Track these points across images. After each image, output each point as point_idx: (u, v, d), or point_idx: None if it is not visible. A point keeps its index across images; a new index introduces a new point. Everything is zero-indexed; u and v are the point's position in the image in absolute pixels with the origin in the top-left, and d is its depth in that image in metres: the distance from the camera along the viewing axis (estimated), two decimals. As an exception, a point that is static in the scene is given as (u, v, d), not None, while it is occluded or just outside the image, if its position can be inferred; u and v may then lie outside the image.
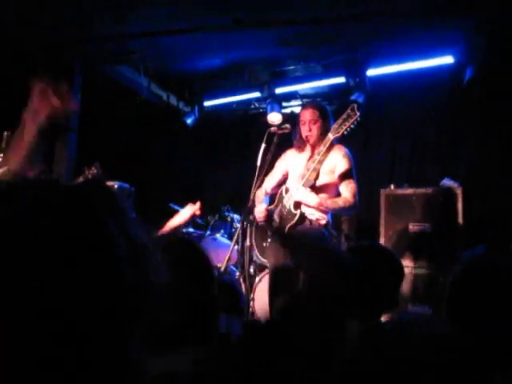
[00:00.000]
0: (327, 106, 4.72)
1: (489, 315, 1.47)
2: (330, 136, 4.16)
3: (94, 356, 0.63)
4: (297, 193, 4.19)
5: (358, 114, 4.05)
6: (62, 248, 0.62)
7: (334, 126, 4.16)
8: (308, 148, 4.53)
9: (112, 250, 0.66)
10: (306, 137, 4.41)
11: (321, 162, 4.23)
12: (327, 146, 4.18)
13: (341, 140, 4.32)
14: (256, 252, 4.68)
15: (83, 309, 0.62)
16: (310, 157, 4.41)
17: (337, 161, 4.34)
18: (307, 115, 4.44)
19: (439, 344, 1.03)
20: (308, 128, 4.40)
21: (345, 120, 4.10)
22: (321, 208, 4.21)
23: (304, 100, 7.22)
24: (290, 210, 4.35)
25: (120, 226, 0.69)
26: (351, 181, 4.30)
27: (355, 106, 4.11)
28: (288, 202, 4.39)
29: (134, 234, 0.71)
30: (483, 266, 1.57)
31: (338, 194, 4.37)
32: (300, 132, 4.49)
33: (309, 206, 4.31)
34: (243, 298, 2.30)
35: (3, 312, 0.59)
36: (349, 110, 4.11)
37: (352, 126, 4.09)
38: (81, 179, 5.04)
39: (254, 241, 4.70)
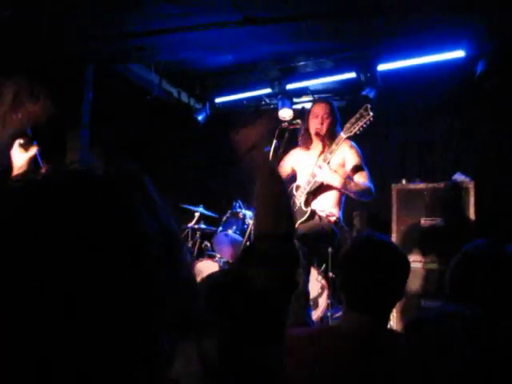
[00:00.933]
0: (336, 103, 4.76)
1: (485, 299, 1.52)
2: (343, 135, 4.20)
3: (122, 351, 0.63)
4: (320, 172, 4.19)
5: (371, 114, 4.08)
6: (96, 239, 0.61)
7: (347, 125, 4.20)
8: (315, 145, 4.55)
9: (146, 242, 0.65)
10: (316, 130, 4.44)
11: (332, 155, 4.26)
12: (339, 144, 4.21)
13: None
14: None
15: (119, 300, 0.62)
16: (321, 153, 4.44)
17: (345, 154, 4.37)
18: (320, 109, 4.50)
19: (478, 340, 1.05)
20: (320, 121, 4.44)
21: (358, 119, 4.14)
22: (344, 189, 4.21)
23: (315, 96, 7.23)
24: (300, 207, 4.37)
25: (153, 215, 0.67)
26: (363, 170, 4.34)
27: (368, 106, 4.15)
28: (299, 199, 4.40)
29: (167, 223, 0.70)
30: (480, 254, 1.62)
31: None
32: (307, 127, 4.51)
33: (323, 196, 4.33)
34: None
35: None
36: (362, 110, 4.15)
37: (364, 126, 4.13)
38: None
39: None
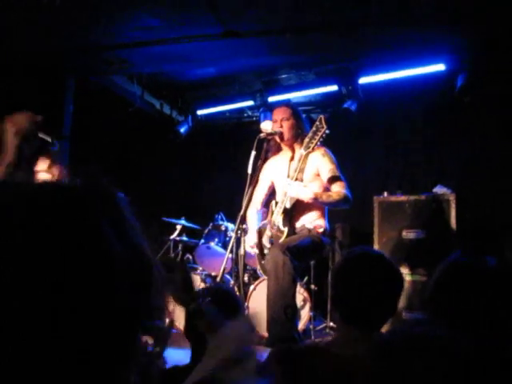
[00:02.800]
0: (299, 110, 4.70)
1: (467, 312, 1.51)
2: (303, 152, 4.16)
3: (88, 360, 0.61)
4: (290, 188, 4.13)
5: (326, 126, 4.02)
6: (55, 250, 0.59)
7: (306, 139, 4.15)
8: (285, 151, 4.52)
9: (107, 253, 0.62)
10: (280, 136, 4.40)
11: (302, 171, 4.21)
12: (302, 160, 4.17)
13: (325, 144, 4.32)
14: (258, 267, 4.68)
15: (78, 311, 0.60)
16: (291, 158, 4.41)
17: (318, 162, 4.31)
18: (279, 113, 4.46)
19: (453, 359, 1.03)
20: (279, 125, 4.39)
21: (314, 133, 4.08)
22: (316, 201, 4.15)
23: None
24: (278, 228, 4.34)
25: (120, 234, 0.65)
26: (338, 177, 4.27)
27: (322, 117, 4.08)
28: (276, 218, 4.35)
29: (135, 244, 0.68)
30: (460, 268, 1.62)
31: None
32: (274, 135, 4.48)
33: (300, 213, 4.30)
34: (242, 305, 2.30)
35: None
36: (317, 123, 4.08)
37: (321, 139, 4.08)
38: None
39: (256, 257, 4.69)
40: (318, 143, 4.08)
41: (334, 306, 1.98)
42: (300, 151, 4.19)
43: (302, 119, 4.51)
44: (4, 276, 0.57)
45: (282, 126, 4.38)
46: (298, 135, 4.39)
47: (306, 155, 4.16)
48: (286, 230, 4.27)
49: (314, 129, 4.09)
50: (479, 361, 1.03)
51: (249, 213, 4.50)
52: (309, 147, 4.10)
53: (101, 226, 0.64)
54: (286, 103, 4.81)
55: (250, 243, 4.55)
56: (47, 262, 0.59)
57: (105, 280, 0.62)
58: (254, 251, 4.54)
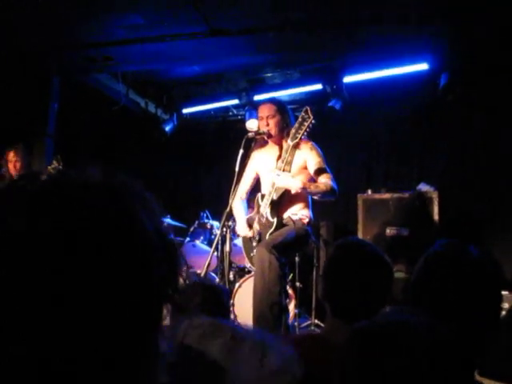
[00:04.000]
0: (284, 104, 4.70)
1: (447, 302, 1.53)
2: (290, 143, 4.15)
3: (121, 353, 0.66)
4: (279, 179, 4.14)
5: (312, 116, 4.03)
6: (103, 240, 0.65)
7: (292, 130, 4.14)
8: (272, 146, 4.52)
9: (149, 248, 0.70)
10: (266, 133, 4.40)
11: (290, 163, 4.21)
12: (289, 151, 4.17)
13: (311, 138, 4.33)
14: (247, 260, 4.69)
15: (119, 304, 0.65)
16: (279, 157, 4.40)
17: (306, 156, 4.31)
18: (265, 111, 4.42)
19: (430, 344, 1.04)
20: (266, 123, 4.38)
21: (300, 124, 4.07)
22: (304, 191, 4.17)
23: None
24: (267, 219, 4.35)
25: (150, 219, 0.72)
26: (325, 170, 4.28)
27: (308, 108, 4.08)
28: (264, 209, 4.37)
29: (162, 227, 0.75)
30: (442, 257, 1.63)
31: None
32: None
33: (288, 204, 4.32)
34: (228, 299, 2.31)
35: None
36: (303, 113, 4.08)
37: (308, 130, 4.07)
38: (44, 176, 5.02)
39: (242, 249, 4.71)
40: (305, 133, 4.07)
41: (324, 300, 1.98)
42: (287, 142, 4.19)
43: (287, 113, 4.48)
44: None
45: (268, 124, 4.38)
46: (285, 130, 4.38)
47: (294, 146, 4.16)
48: (275, 220, 4.28)
49: (300, 120, 4.09)
50: (458, 347, 1.05)
51: (234, 204, 4.49)
52: (296, 137, 4.09)
53: (136, 210, 0.72)
54: (271, 100, 4.74)
55: (241, 230, 4.54)
56: (101, 245, 0.65)
57: (144, 258, 0.69)
58: (247, 234, 4.51)
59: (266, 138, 4.42)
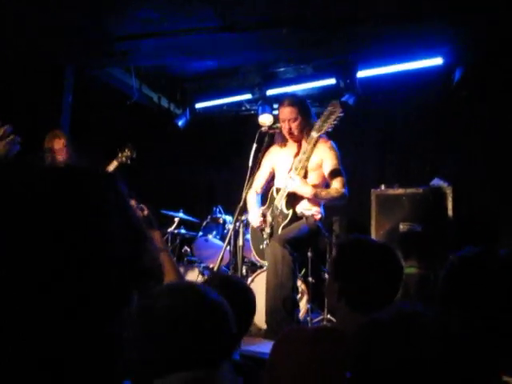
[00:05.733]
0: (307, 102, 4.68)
1: (478, 309, 1.50)
2: (314, 135, 4.14)
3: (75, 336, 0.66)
4: (292, 183, 4.16)
5: (341, 110, 4.02)
6: (68, 216, 0.67)
7: (318, 123, 4.13)
8: (292, 143, 4.53)
9: (107, 225, 0.71)
10: (287, 134, 4.40)
11: (308, 159, 4.22)
12: (312, 144, 4.16)
13: (329, 135, 4.32)
14: (254, 254, 4.70)
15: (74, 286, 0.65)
16: (296, 154, 4.41)
17: (323, 155, 4.32)
18: (286, 113, 4.42)
19: (440, 336, 1.04)
20: (288, 126, 4.38)
21: (327, 117, 4.07)
22: (315, 198, 4.20)
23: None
24: (281, 211, 4.36)
25: (121, 211, 0.73)
26: (339, 173, 4.30)
27: (337, 102, 4.08)
28: (280, 201, 4.39)
29: (133, 220, 0.76)
30: (472, 263, 1.61)
31: (327, 187, 4.37)
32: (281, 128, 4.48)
33: (303, 197, 4.32)
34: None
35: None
36: (331, 107, 4.07)
37: (335, 123, 4.06)
38: (115, 162, 5.06)
39: (250, 243, 4.72)
40: (331, 126, 4.06)
41: (340, 294, 1.98)
42: (311, 134, 4.17)
43: (309, 111, 4.47)
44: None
45: (290, 127, 4.37)
46: (306, 128, 4.37)
47: (313, 144, 4.16)
48: (290, 212, 4.31)
49: (326, 113, 4.08)
50: (472, 342, 1.05)
51: (248, 197, 4.51)
52: (321, 130, 4.09)
53: (105, 202, 0.73)
54: (291, 101, 4.55)
55: (255, 220, 4.56)
56: (64, 223, 0.67)
57: (103, 236, 0.70)
58: (260, 223, 4.52)
59: (286, 136, 4.44)
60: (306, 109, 4.47)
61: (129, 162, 5.11)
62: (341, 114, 4.02)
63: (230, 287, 2.17)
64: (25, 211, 0.64)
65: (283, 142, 4.55)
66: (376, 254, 1.97)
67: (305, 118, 4.39)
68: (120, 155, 5.11)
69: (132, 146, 5.11)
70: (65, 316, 0.64)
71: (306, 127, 4.35)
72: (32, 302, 0.63)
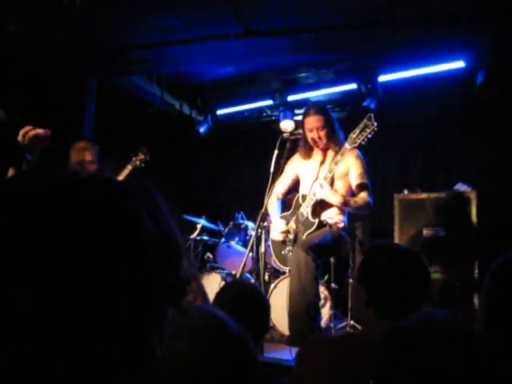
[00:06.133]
0: (329, 111, 4.69)
1: None
2: (347, 146, 4.14)
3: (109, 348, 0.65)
4: (321, 191, 4.17)
5: (375, 124, 4.03)
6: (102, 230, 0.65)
7: (352, 135, 4.13)
8: (317, 153, 4.54)
9: (145, 243, 0.69)
10: (316, 143, 4.41)
11: (334, 169, 4.24)
12: (344, 155, 4.17)
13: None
14: (274, 259, 4.71)
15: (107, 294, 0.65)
16: (322, 161, 4.43)
17: (349, 163, 4.34)
18: (314, 122, 4.41)
19: (464, 344, 1.02)
20: (317, 135, 4.38)
21: (362, 130, 4.07)
22: (344, 207, 4.22)
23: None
24: (307, 218, 4.37)
25: (155, 221, 0.71)
26: (365, 182, 4.32)
27: (372, 115, 4.09)
28: (306, 209, 4.40)
29: (169, 230, 0.74)
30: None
31: (353, 195, 4.39)
32: (306, 138, 4.47)
33: (330, 206, 4.34)
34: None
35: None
36: (366, 120, 4.08)
37: (369, 136, 4.08)
38: (129, 167, 5.09)
39: (271, 249, 4.73)
40: (366, 140, 4.07)
41: (368, 300, 1.97)
42: (345, 145, 4.18)
43: (333, 121, 4.50)
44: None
45: (319, 136, 4.38)
46: (333, 140, 4.40)
47: (350, 150, 4.17)
48: (316, 221, 4.33)
49: (361, 126, 4.08)
50: (498, 354, 1.03)
51: (270, 201, 4.51)
52: (355, 142, 4.09)
53: (139, 211, 0.70)
54: (317, 109, 4.54)
55: (278, 228, 4.57)
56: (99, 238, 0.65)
57: (140, 253, 0.68)
58: (282, 237, 4.53)
59: (313, 145, 4.45)
60: (331, 118, 4.50)
61: (143, 165, 5.11)
62: (376, 129, 4.04)
63: (242, 296, 2.18)
64: (68, 223, 0.64)
65: (307, 152, 4.55)
66: (404, 259, 1.96)
67: (331, 126, 4.42)
68: (134, 159, 5.12)
69: (145, 148, 5.12)
70: (99, 331, 0.64)
71: (332, 138, 4.37)
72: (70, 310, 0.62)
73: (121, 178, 5.05)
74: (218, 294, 2.27)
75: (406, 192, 5.54)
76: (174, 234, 0.75)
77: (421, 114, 6.67)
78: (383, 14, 4.83)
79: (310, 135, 4.43)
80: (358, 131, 4.10)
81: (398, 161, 6.85)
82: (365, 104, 6.32)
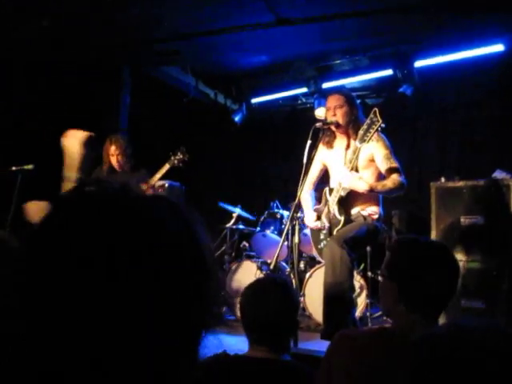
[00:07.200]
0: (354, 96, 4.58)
1: None
2: (358, 145, 4.05)
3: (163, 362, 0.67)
4: (346, 180, 4.10)
5: (381, 120, 3.91)
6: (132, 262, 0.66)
7: (360, 132, 4.01)
8: (340, 140, 4.44)
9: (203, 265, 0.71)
10: (333, 123, 4.30)
11: (357, 158, 4.15)
12: (356, 154, 4.09)
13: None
14: (315, 251, 4.71)
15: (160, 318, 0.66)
16: (347, 146, 4.33)
17: (372, 148, 4.21)
18: (332, 101, 4.33)
19: (494, 355, 1.01)
20: (333, 113, 4.28)
21: (369, 126, 3.95)
22: (372, 192, 4.12)
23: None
24: (334, 215, 4.33)
25: (191, 243, 0.73)
26: (393, 162, 4.18)
27: (377, 110, 3.96)
28: (332, 206, 4.33)
29: (207, 257, 0.75)
30: None
31: (383, 179, 4.27)
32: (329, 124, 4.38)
33: (356, 201, 4.28)
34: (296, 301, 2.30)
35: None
36: (372, 115, 3.96)
37: (377, 132, 3.97)
38: (167, 165, 5.17)
39: (310, 239, 4.72)
40: (374, 135, 3.98)
41: (400, 295, 1.96)
42: (355, 143, 4.10)
43: (356, 105, 4.39)
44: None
45: (335, 114, 4.30)
46: (352, 122, 4.30)
47: (360, 150, 4.09)
48: (342, 218, 4.25)
49: (368, 121, 3.97)
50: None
51: (302, 195, 4.47)
52: (364, 140, 3.99)
53: (177, 235, 0.72)
54: (339, 90, 4.69)
55: (310, 221, 4.54)
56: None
57: (197, 275, 0.71)
58: (317, 225, 4.50)
59: (333, 128, 4.37)
60: (353, 102, 4.37)
61: (181, 165, 5.16)
62: (382, 125, 3.92)
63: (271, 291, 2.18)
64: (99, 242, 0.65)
65: (329, 140, 4.46)
66: (433, 254, 1.94)
67: (351, 108, 4.30)
68: (172, 158, 5.18)
69: (185, 149, 5.17)
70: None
71: (352, 121, 4.27)
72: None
73: (158, 175, 5.16)
74: (247, 289, 2.28)
75: (443, 180, 5.44)
76: (207, 255, 0.76)
77: (458, 100, 6.55)
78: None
79: (329, 115, 4.35)
80: (365, 127, 3.97)
81: (434, 148, 6.74)
82: (401, 90, 6.23)
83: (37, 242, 0.66)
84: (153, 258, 0.66)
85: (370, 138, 3.95)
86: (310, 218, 4.56)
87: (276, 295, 2.16)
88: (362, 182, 4.04)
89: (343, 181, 4.13)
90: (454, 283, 1.96)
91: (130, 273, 0.64)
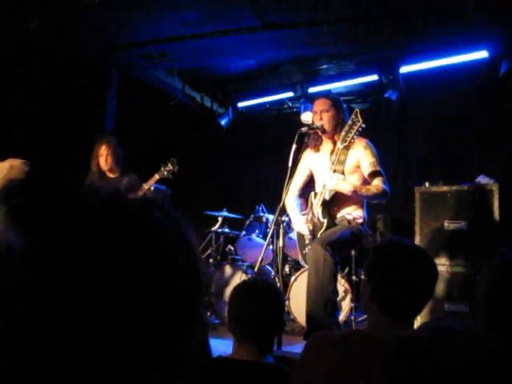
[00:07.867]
0: (341, 100, 4.60)
1: None
2: (339, 145, 4.09)
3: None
4: (330, 181, 4.10)
5: (362, 120, 3.95)
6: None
7: (342, 133, 4.06)
8: (326, 144, 4.47)
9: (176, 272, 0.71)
10: (320, 128, 4.33)
11: (343, 163, 4.16)
12: (340, 152, 4.11)
13: (367, 135, 4.27)
14: (300, 257, 4.72)
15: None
16: (332, 151, 4.34)
17: (359, 155, 4.25)
18: (319, 105, 4.36)
19: (476, 356, 1.02)
20: (319, 117, 4.32)
21: (350, 127, 4.00)
22: (355, 194, 4.14)
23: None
24: (318, 219, 4.34)
25: (184, 253, 0.73)
26: (378, 170, 4.22)
27: (358, 111, 4.01)
28: (316, 209, 4.35)
29: (195, 250, 0.76)
30: None
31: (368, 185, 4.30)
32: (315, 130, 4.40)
33: (339, 205, 4.30)
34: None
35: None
36: (353, 116, 4.00)
37: (357, 134, 4.01)
38: (156, 176, 5.18)
39: (297, 244, 4.73)
40: (355, 136, 4.02)
41: (372, 298, 1.96)
42: (337, 144, 4.14)
43: (342, 110, 4.42)
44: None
45: (322, 118, 4.33)
46: (339, 126, 4.32)
47: (344, 148, 4.12)
48: (325, 221, 4.27)
49: (349, 122, 4.02)
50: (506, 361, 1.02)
51: (287, 200, 4.48)
52: (345, 141, 4.03)
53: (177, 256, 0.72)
54: (326, 94, 4.74)
55: (300, 224, 4.54)
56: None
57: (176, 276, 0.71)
58: (308, 227, 4.50)
59: (320, 132, 4.39)
60: (340, 106, 4.40)
61: (170, 176, 5.20)
62: (363, 125, 3.96)
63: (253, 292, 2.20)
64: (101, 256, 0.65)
65: (315, 144, 4.49)
66: (411, 258, 1.94)
67: (338, 113, 4.33)
68: (162, 169, 5.20)
69: (175, 160, 5.19)
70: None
71: (338, 124, 4.30)
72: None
73: (147, 186, 5.18)
74: (236, 288, 2.29)
75: (427, 184, 5.48)
76: (198, 255, 0.77)
77: (442, 106, 6.60)
78: (403, 5, 4.78)
79: (316, 119, 4.37)
80: (347, 128, 4.02)
81: (419, 153, 6.79)
82: (386, 95, 6.28)
83: (37, 246, 0.67)
84: (149, 260, 0.67)
85: (350, 139, 3.99)
86: (299, 223, 4.56)
87: (264, 294, 2.18)
88: (347, 183, 4.06)
89: (327, 182, 4.14)
90: (429, 289, 1.95)
91: (128, 276, 0.65)
